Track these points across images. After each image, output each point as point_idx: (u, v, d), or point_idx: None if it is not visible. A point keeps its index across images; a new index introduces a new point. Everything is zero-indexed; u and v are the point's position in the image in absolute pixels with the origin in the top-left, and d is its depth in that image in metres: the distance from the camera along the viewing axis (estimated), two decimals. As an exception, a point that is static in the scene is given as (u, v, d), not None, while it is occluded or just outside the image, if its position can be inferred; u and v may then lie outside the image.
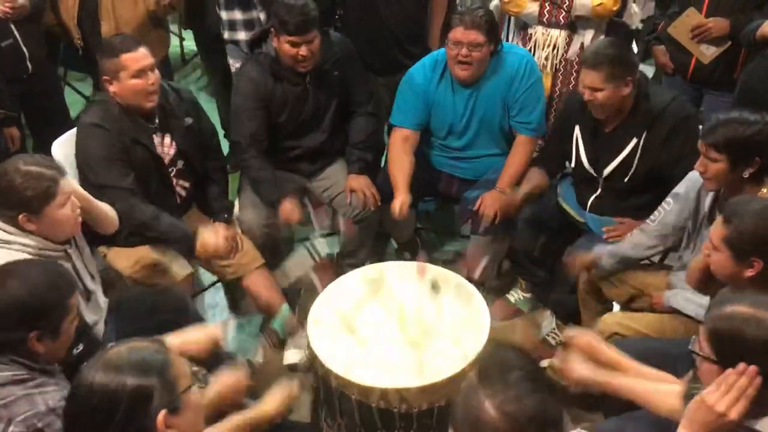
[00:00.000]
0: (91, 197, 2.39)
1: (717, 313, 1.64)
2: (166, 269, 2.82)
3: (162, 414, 1.45)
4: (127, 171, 2.71)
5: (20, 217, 2.11)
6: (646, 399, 1.96)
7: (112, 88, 2.68)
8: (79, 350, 2.01)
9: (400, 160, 3.15)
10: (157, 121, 2.80)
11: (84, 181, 2.65)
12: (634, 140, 2.80)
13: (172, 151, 2.86)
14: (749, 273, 2.00)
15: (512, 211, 3.07)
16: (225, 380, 2.02)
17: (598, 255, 2.75)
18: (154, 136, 2.79)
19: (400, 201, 3.04)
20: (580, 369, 2.10)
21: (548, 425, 1.37)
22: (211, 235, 2.81)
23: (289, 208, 3.01)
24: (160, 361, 1.50)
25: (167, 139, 2.83)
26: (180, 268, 2.85)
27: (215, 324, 2.19)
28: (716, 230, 2.06)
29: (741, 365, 1.55)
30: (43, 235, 2.16)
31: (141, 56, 2.66)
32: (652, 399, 1.95)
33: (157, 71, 2.73)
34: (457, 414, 1.42)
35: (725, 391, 1.55)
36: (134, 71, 2.64)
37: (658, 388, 1.95)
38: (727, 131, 2.28)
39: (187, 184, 2.96)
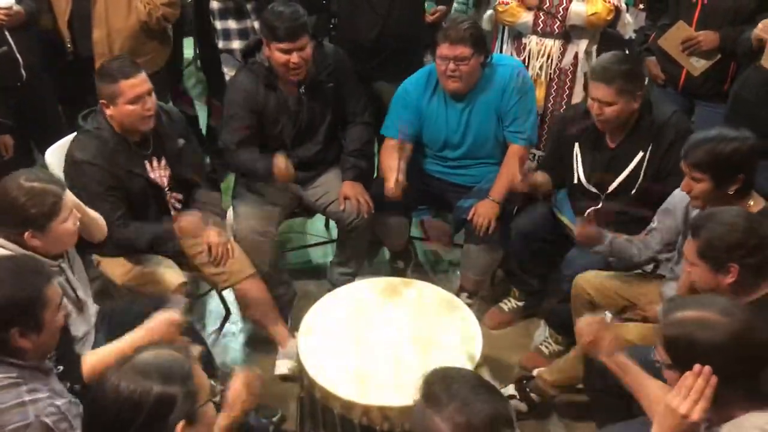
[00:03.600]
0: (84, 206, 2.39)
1: (667, 321, 1.69)
2: (159, 278, 2.80)
3: (181, 425, 1.48)
4: (119, 204, 2.71)
5: (26, 234, 2.12)
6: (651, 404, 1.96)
7: (108, 112, 2.69)
8: (59, 371, 1.99)
9: (393, 154, 3.11)
10: (151, 146, 2.80)
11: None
12: (641, 153, 2.80)
13: (167, 173, 2.85)
14: (729, 280, 2.03)
15: (524, 188, 3.02)
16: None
17: (604, 234, 2.69)
18: (147, 162, 2.79)
19: (394, 177, 3.01)
20: (608, 342, 2.09)
21: (500, 424, 1.42)
22: (187, 218, 2.75)
23: (281, 162, 2.98)
24: (185, 370, 1.54)
25: (162, 162, 2.83)
26: (173, 276, 2.83)
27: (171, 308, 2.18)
28: (688, 247, 2.11)
29: (696, 367, 1.60)
30: (45, 250, 2.16)
31: (139, 82, 2.66)
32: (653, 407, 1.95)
33: (154, 96, 2.73)
34: None
35: (686, 394, 1.60)
36: (131, 97, 2.64)
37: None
38: (708, 150, 2.30)
39: (180, 196, 2.96)
